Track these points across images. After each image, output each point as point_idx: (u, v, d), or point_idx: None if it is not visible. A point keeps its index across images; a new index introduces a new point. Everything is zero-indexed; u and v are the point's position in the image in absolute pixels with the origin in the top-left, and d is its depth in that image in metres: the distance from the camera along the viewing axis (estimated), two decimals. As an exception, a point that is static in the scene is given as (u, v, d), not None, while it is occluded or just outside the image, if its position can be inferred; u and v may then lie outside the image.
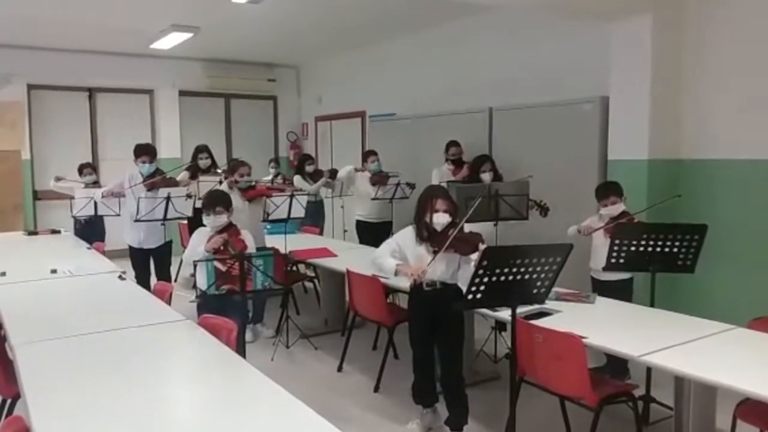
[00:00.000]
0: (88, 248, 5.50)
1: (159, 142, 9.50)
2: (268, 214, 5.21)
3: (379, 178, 6.35)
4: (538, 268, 2.79)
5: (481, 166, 5.41)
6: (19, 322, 3.10)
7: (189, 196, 5.46)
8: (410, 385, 3.64)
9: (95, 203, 6.05)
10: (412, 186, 6.25)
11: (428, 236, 3.32)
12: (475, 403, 3.57)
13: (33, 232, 6.66)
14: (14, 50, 8.38)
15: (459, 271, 3.34)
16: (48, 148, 9.00)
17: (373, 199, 6.34)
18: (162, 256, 5.58)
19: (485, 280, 2.72)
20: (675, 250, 3.69)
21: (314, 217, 7.24)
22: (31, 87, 8.79)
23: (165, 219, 5.23)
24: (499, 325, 4.62)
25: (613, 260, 3.77)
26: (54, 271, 4.27)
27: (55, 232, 6.55)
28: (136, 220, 5.16)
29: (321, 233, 7.30)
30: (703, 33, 4.74)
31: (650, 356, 2.66)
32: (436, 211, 3.29)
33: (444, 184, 5.22)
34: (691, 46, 4.82)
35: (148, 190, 5.29)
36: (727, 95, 4.62)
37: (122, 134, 9.06)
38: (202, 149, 6.34)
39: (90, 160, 8.65)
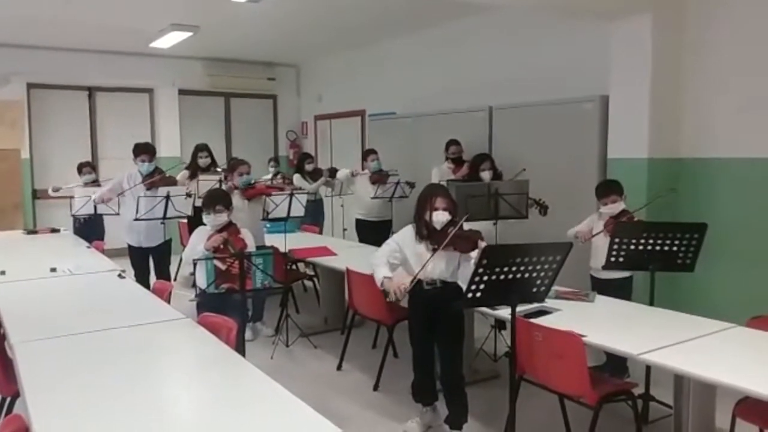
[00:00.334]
0: (88, 247, 5.50)
1: (159, 141, 9.51)
2: (268, 213, 5.21)
3: (378, 177, 6.35)
4: (538, 267, 2.79)
5: (481, 164, 5.41)
6: (19, 321, 3.10)
7: (189, 195, 5.46)
8: (410, 383, 3.65)
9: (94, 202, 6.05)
10: (411, 185, 6.25)
11: (428, 234, 3.32)
12: (474, 401, 3.57)
13: (32, 231, 6.67)
14: (14, 49, 8.38)
15: (459, 269, 3.34)
16: (48, 147, 9.00)
17: (372, 198, 6.34)
18: (161, 254, 5.58)
19: (485, 278, 2.72)
20: (675, 248, 3.69)
21: (314, 216, 7.23)
22: (30, 86, 8.79)
23: (164, 218, 5.23)
24: (499, 324, 4.62)
25: (612, 259, 3.77)
26: (53, 270, 4.27)
27: (54, 230, 6.55)
28: (136, 219, 5.16)
29: (321, 232, 7.30)
30: (703, 32, 4.74)
31: (650, 355, 2.66)
32: (436, 209, 3.29)
33: (444, 183, 5.23)
34: (690, 46, 4.81)
35: (148, 189, 5.28)
36: (726, 94, 4.62)
37: (122, 133, 9.06)
38: (201, 148, 6.33)
39: (89, 159, 8.65)
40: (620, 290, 3.95)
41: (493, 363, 4.61)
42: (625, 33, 4.90)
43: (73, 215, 6.32)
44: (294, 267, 6.05)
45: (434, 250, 3.24)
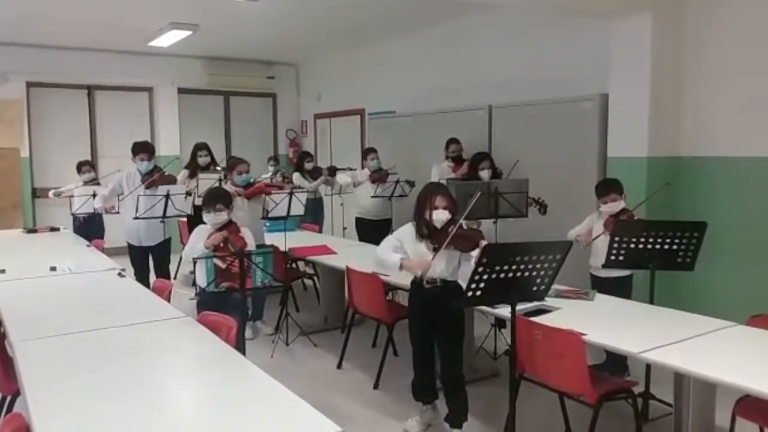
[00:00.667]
0: (88, 245, 5.50)
1: (158, 139, 9.51)
2: (268, 212, 5.21)
3: (378, 176, 6.35)
4: (538, 266, 2.79)
5: (480, 163, 5.42)
6: (19, 320, 3.10)
7: (188, 193, 5.47)
8: (410, 382, 3.65)
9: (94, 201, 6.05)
10: (411, 183, 6.25)
11: (428, 233, 3.32)
12: (474, 400, 3.57)
13: (32, 230, 6.67)
14: (13, 48, 8.37)
15: (459, 268, 3.34)
16: (47, 145, 9.00)
17: (372, 196, 6.34)
18: (161, 253, 5.58)
19: (485, 277, 2.72)
20: (675, 247, 3.69)
21: (314, 215, 7.23)
22: (30, 85, 8.78)
23: (164, 216, 5.23)
24: (499, 322, 4.62)
25: (612, 257, 3.77)
26: (53, 269, 4.27)
27: (54, 229, 6.54)
28: (136, 218, 5.16)
29: (320, 231, 7.30)
30: (703, 31, 4.74)
31: (650, 353, 2.66)
32: (436, 208, 3.29)
33: (443, 182, 5.23)
34: (690, 45, 4.81)
35: (147, 188, 5.28)
36: (726, 93, 4.62)
37: (121, 132, 9.07)
38: (201, 147, 6.34)
39: (89, 157, 8.63)
40: (620, 289, 3.96)
41: (493, 361, 4.62)
42: (625, 32, 4.90)
43: (73, 214, 6.33)
44: (294, 266, 6.05)
45: (435, 250, 3.24)
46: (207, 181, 5.50)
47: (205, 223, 4.22)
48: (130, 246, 5.56)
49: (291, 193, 5.27)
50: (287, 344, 5.07)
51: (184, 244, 5.37)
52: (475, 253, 3.12)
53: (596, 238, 4.14)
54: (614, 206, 4.10)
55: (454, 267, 3.34)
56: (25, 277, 4.08)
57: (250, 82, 10.23)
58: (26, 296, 3.65)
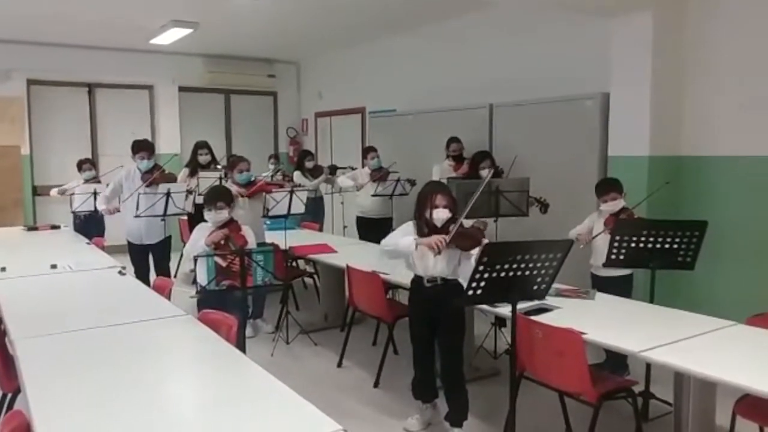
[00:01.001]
0: (88, 243, 5.51)
1: (158, 137, 9.52)
2: (268, 210, 5.21)
3: (379, 175, 6.35)
4: (539, 264, 2.79)
5: (481, 162, 5.42)
6: (20, 317, 3.10)
7: (189, 192, 5.46)
8: (410, 380, 3.65)
9: (95, 199, 6.05)
10: (412, 182, 6.25)
11: (428, 232, 3.31)
12: (474, 398, 3.57)
13: (33, 228, 6.66)
14: (14, 46, 8.37)
15: (459, 267, 3.34)
16: (48, 143, 9.00)
17: (373, 195, 6.34)
18: (161, 251, 5.58)
19: (485, 275, 2.72)
20: (675, 246, 3.69)
21: (314, 213, 7.24)
22: (30, 82, 8.78)
23: (165, 215, 5.23)
24: (499, 321, 4.62)
25: (613, 256, 3.77)
26: (54, 267, 4.27)
27: (54, 227, 6.55)
28: (136, 216, 5.16)
29: (321, 229, 7.30)
30: (704, 30, 4.74)
31: (650, 352, 2.66)
32: (436, 206, 3.28)
33: (444, 181, 5.22)
34: (691, 43, 4.81)
35: (147, 186, 5.28)
36: (727, 92, 4.62)
37: (122, 130, 9.07)
38: (201, 145, 6.34)
39: (89, 155, 8.67)
40: (620, 288, 3.95)
41: (493, 360, 4.62)
42: (626, 30, 4.90)
43: (74, 212, 6.33)
44: (294, 264, 6.05)
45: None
46: (207, 179, 5.50)
47: (206, 221, 4.22)
48: (130, 244, 5.56)
49: (291, 192, 5.28)
50: (287, 342, 5.08)
51: (184, 243, 5.37)
52: (476, 251, 3.12)
53: (596, 236, 4.14)
54: (614, 205, 4.11)
55: (455, 265, 3.34)
56: (25, 274, 4.08)
57: (250, 80, 10.22)
58: (27, 294, 3.65)
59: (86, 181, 6.58)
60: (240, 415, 2.02)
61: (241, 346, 3.12)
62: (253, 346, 4.46)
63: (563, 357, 2.89)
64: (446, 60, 7.45)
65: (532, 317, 3.11)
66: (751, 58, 4.48)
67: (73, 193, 6.28)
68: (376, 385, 4.25)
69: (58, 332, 2.85)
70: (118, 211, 5.52)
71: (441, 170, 6.12)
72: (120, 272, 4.20)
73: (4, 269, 4.15)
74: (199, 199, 5.16)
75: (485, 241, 3.11)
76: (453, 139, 6.18)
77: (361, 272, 4.33)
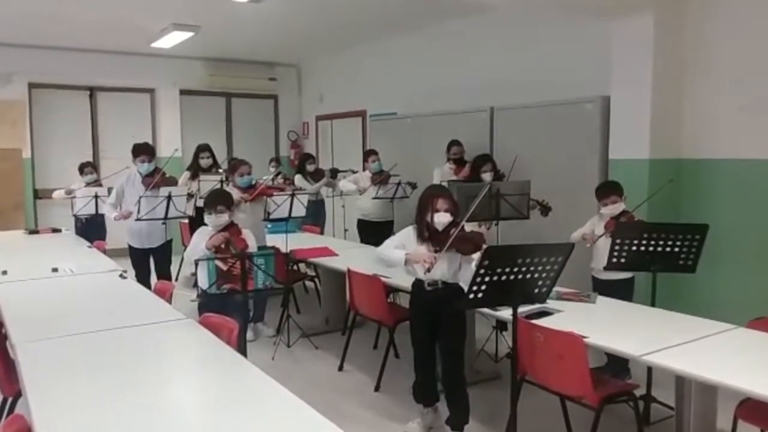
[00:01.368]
0: (89, 247, 5.50)
1: (159, 141, 9.52)
2: (269, 213, 5.21)
3: (380, 178, 6.35)
4: (540, 268, 2.78)
5: (482, 165, 5.42)
6: (21, 321, 3.10)
7: (190, 195, 5.46)
8: (411, 384, 3.64)
9: (96, 202, 6.05)
10: (413, 185, 6.25)
11: (429, 236, 3.31)
12: (476, 402, 3.57)
13: (34, 231, 6.67)
14: (15, 49, 8.38)
15: (460, 271, 3.34)
16: (49, 147, 9.01)
17: (374, 198, 6.34)
18: (162, 255, 5.57)
19: (486, 279, 2.72)
20: (676, 249, 3.69)
21: (315, 217, 7.24)
22: (32, 86, 8.80)
23: (166, 218, 5.23)
24: (500, 325, 4.62)
25: (614, 260, 3.77)
26: (55, 270, 4.28)
27: (56, 230, 6.55)
28: (137, 219, 5.16)
29: (322, 232, 7.30)
30: (705, 32, 4.74)
31: (651, 356, 2.66)
32: (437, 210, 3.28)
33: (445, 184, 5.23)
34: (692, 46, 4.81)
35: (149, 189, 5.28)
36: (728, 95, 4.62)
37: (123, 133, 9.06)
38: (203, 148, 6.34)
39: (91, 158, 8.66)
40: (622, 291, 3.95)
41: (494, 364, 4.61)
42: (627, 33, 4.90)
43: (75, 215, 6.33)
44: (295, 267, 6.05)
45: (437, 252, 3.23)
46: (208, 182, 5.50)
47: (206, 224, 4.23)
48: (131, 248, 5.56)
49: (292, 195, 5.28)
50: (288, 346, 5.07)
51: (185, 246, 5.36)
52: (476, 255, 3.11)
53: (602, 235, 4.13)
54: (615, 208, 4.11)
55: (455, 269, 3.34)
56: (26, 278, 4.08)
57: (251, 83, 10.24)
58: (28, 297, 3.65)
59: (88, 184, 6.58)
60: (241, 418, 2.02)
61: (242, 349, 3.12)
62: (253, 349, 4.45)
63: (564, 360, 2.89)
64: (447, 63, 7.46)
65: (533, 321, 3.10)
66: (752, 60, 4.47)
67: (74, 197, 6.28)
68: (377, 388, 4.25)
69: (59, 336, 2.85)
70: (131, 213, 5.42)
71: (442, 173, 6.12)
72: (121, 276, 4.20)
73: (5, 272, 4.15)
74: (200, 203, 5.15)
75: (485, 246, 3.10)
76: (454, 142, 6.18)
77: (362, 275, 4.33)
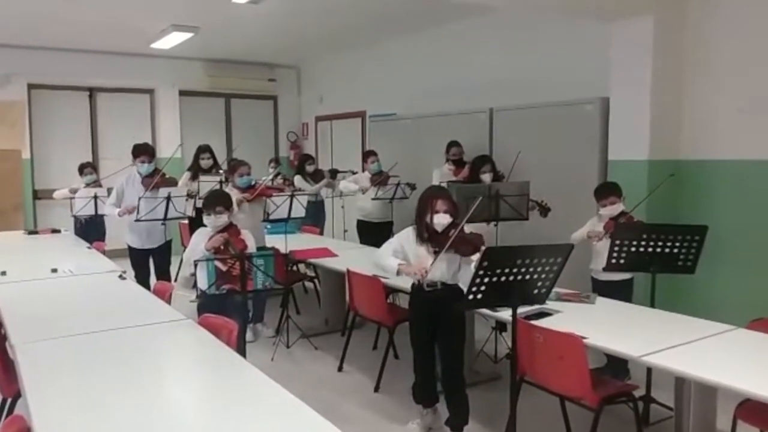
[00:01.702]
0: (89, 248, 5.50)
1: (159, 141, 9.51)
2: (269, 214, 5.21)
3: (379, 179, 6.35)
4: (539, 269, 2.79)
5: (482, 166, 5.42)
6: (20, 322, 3.10)
7: (190, 196, 5.46)
8: (410, 385, 3.64)
9: (95, 203, 6.05)
10: (412, 186, 6.25)
11: (429, 237, 3.31)
12: (475, 403, 3.57)
13: (33, 232, 6.66)
14: (15, 50, 8.38)
15: (459, 272, 3.34)
16: (48, 147, 9.00)
17: (373, 198, 6.34)
18: (162, 255, 5.57)
19: (486, 280, 2.72)
20: (675, 250, 3.69)
21: (315, 217, 7.24)
22: (31, 86, 8.79)
23: (165, 219, 5.23)
24: (500, 326, 4.62)
25: (613, 260, 3.77)
26: (54, 271, 4.27)
27: (55, 231, 6.55)
28: (137, 220, 5.16)
29: (321, 233, 7.30)
30: (704, 34, 4.74)
31: (650, 357, 2.66)
32: (437, 211, 3.28)
33: (444, 185, 5.23)
34: (692, 47, 4.82)
35: (149, 189, 5.27)
36: (727, 96, 4.62)
37: (122, 134, 9.05)
38: (204, 149, 6.34)
39: (90, 159, 8.64)
40: (621, 292, 3.95)
41: (493, 365, 4.61)
42: (626, 34, 4.91)
43: (74, 216, 6.33)
44: (295, 268, 6.05)
45: (436, 253, 3.24)
46: (208, 183, 5.50)
47: (206, 225, 4.22)
48: (130, 248, 5.55)
49: (292, 196, 5.28)
50: (288, 347, 5.07)
51: (185, 247, 5.36)
52: (476, 257, 3.12)
53: (604, 235, 4.12)
54: (614, 209, 4.12)
55: (455, 270, 3.34)
56: (26, 279, 4.08)
57: (251, 84, 10.24)
58: (27, 298, 3.65)
59: (87, 184, 6.57)
60: (240, 419, 2.02)
61: (241, 350, 3.12)
62: (253, 350, 4.45)
63: (564, 361, 2.89)
64: (446, 64, 7.46)
65: (533, 321, 3.11)
66: (752, 62, 4.48)
67: (73, 197, 6.28)
68: (376, 389, 4.25)
69: (58, 336, 2.85)
70: (135, 208, 5.36)
71: (441, 174, 6.12)
72: (120, 276, 4.20)
73: (4, 273, 4.15)
74: (200, 203, 5.15)
75: (484, 248, 3.11)
76: (453, 143, 6.18)
77: (362, 276, 4.33)
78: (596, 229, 4.21)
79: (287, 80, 10.71)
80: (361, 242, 6.49)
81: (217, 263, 3.81)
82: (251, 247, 4.20)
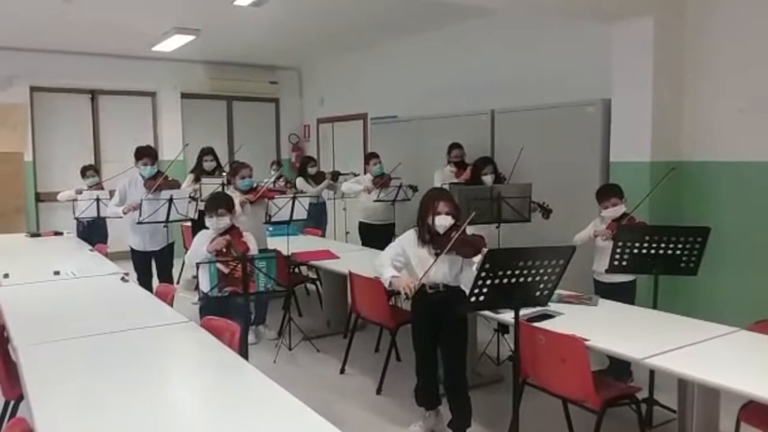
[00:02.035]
0: (91, 250, 5.51)
1: (161, 144, 9.53)
2: (271, 216, 5.21)
3: (381, 181, 6.35)
4: (541, 271, 2.78)
5: (483, 168, 5.42)
6: (22, 324, 3.10)
7: (193, 198, 5.46)
8: (413, 387, 3.64)
9: (98, 205, 6.05)
10: (414, 188, 6.25)
11: (430, 239, 3.32)
12: (478, 405, 3.56)
13: (36, 234, 6.67)
14: (17, 52, 8.41)
15: (461, 274, 3.34)
16: (50, 150, 9.02)
17: (375, 200, 6.35)
18: (164, 258, 5.58)
19: (488, 282, 2.71)
20: (678, 252, 3.68)
21: (316, 219, 7.24)
22: (33, 89, 8.81)
23: (168, 221, 5.23)
24: (502, 328, 4.61)
25: (615, 262, 3.76)
26: (57, 273, 4.28)
27: (57, 233, 6.56)
28: (139, 222, 5.16)
29: (323, 235, 7.30)
30: (705, 35, 4.74)
31: (653, 359, 2.66)
32: (439, 213, 3.29)
33: (446, 187, 5.23)
34: (692, 48, 4.82)
35: (152, 192, 5.28)
36: (729, 97, 4.62)
37: (124, 136, 9.08)
38: (207, 151, 6.35)
39: (92, 162, 8.64)
40: (623, 294, 3.95)
41: (496, 367, 4.61)
42: (627, 36, 4.91)
43: (77, 218, 6.33)
44: (297, 270, 6.04)
45: (437, 255, 3.24)
46: (210, 185, 5.51)
47: (208, 227, 4.23)
48: (133, 251, 5.56)
49: (294, 198, 5.28)
50: (290, 349, 5.07)
51: (187, 249, 5.36)
52: (477, 258, 3.11)
53: (610, 235, 4.12)
54: (615, 211, 4.11)
55: (457, 272, 3.34)
56: (28, 281, 4.09)
57: (252, 86, 10.26)
58: (30, 300, 3.66)
59: (90, 187, 6.58)
60: (242, 421, 2.02)
61: (243, 352, 3.12)
62: (255, 352, 4.45)
63: (566, 363, 2.89)
64: (448, 66, 7.47)
65: (535, 323, 3.10)
66: (752, 62, 4.48)
67: (76, 199, 6.29)
68: (378, 391, 4.24)
69: (60, 339, 2.85)
70: (136, 208, 5.34)
71: (443, 176, 6.12)
72: (122, 279, 4.20)
73: (6, 275, 4.16)
74: (202, 206, 5.15)
75: (485, 250, 3.11)
76: (454, 145, 6.18)
77: (364, 278, 4.33)
78: (599, 230, 4.20)
79: (289, 82, 10.72)
80: (363, 244, 6.48)
81: (219, 265, 3.81)
82: (253, 250, 4.20)
